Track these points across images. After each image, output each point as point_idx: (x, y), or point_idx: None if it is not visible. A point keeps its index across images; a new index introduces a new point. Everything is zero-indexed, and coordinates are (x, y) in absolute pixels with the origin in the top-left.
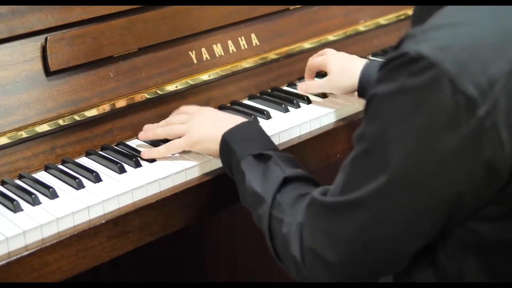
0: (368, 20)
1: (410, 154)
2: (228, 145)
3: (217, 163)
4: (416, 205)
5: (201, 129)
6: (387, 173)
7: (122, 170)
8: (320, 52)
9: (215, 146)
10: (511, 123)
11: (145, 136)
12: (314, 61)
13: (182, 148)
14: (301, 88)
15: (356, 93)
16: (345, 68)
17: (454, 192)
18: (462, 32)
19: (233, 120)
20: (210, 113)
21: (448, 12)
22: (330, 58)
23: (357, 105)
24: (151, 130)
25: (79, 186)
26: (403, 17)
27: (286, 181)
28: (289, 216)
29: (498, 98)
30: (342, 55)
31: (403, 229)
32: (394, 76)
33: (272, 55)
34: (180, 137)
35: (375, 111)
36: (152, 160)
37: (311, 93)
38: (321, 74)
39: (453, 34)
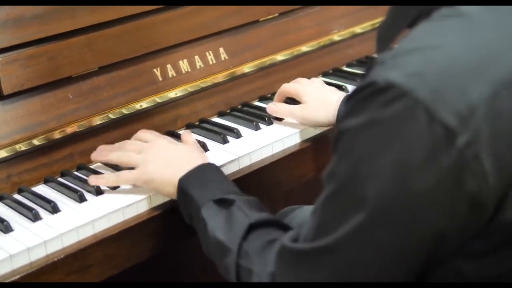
0: (342, 29)
1: (386, 190)
2: (185, 191)
3: None
4: (394, 246)
5: (155, 167)
6: (361, 213)
7: (82, 199)
8: (295, 80)
9: (172, 189)
10: (495, 152)
11: (97, 157)
12: (288, 88)
13: (133, 182)
14: (271, 109)
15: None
16: (322, 101)
17: (435, 229)
18: (435, 55)
19: (190, 160)
20: (165, 148)
21: (420, 34)
22: (306, 89)
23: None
24: (105, 153)
25: (36, 218)
26: (378, 25)
27: (251, 228)
28: (258, 266)
29: (480, 126)
30: (318, 86)
31: (381, 272)
32: (364, 108)
33: (242, 69)
34: (132, 167)
35: (346, 147)
36: (114, 187)
37: (278, 117)
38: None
39: (426, 58)
